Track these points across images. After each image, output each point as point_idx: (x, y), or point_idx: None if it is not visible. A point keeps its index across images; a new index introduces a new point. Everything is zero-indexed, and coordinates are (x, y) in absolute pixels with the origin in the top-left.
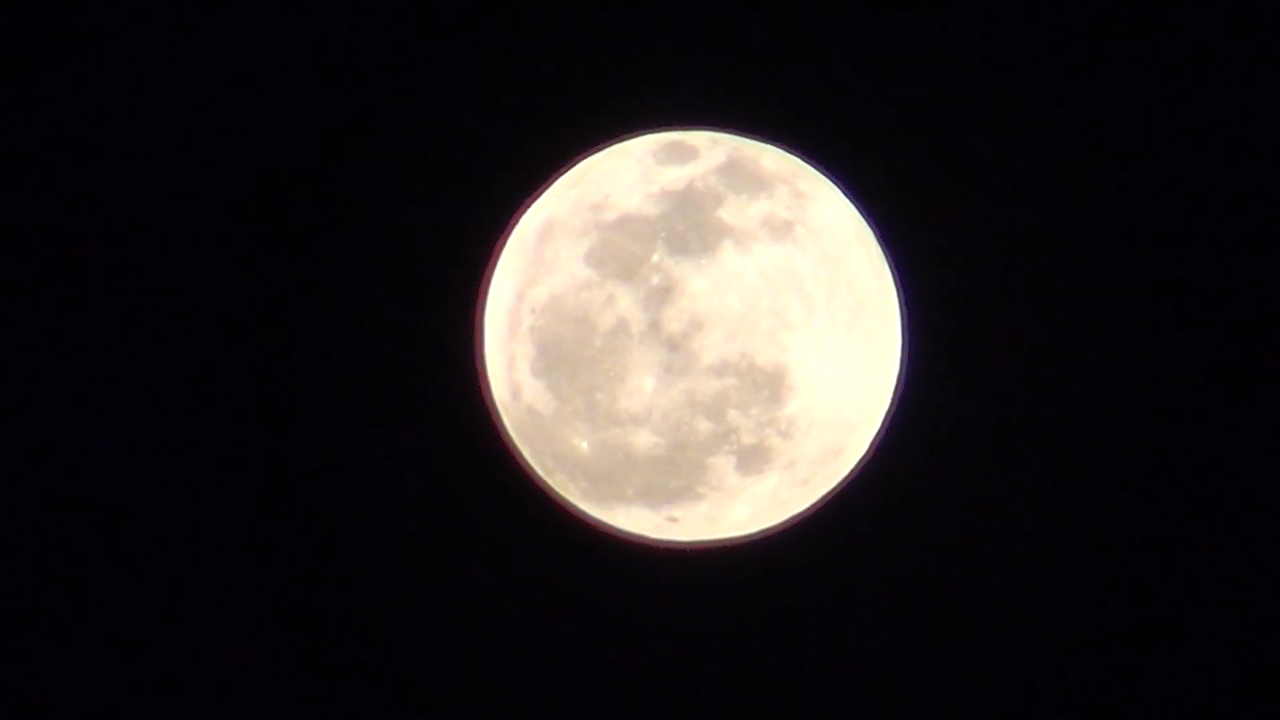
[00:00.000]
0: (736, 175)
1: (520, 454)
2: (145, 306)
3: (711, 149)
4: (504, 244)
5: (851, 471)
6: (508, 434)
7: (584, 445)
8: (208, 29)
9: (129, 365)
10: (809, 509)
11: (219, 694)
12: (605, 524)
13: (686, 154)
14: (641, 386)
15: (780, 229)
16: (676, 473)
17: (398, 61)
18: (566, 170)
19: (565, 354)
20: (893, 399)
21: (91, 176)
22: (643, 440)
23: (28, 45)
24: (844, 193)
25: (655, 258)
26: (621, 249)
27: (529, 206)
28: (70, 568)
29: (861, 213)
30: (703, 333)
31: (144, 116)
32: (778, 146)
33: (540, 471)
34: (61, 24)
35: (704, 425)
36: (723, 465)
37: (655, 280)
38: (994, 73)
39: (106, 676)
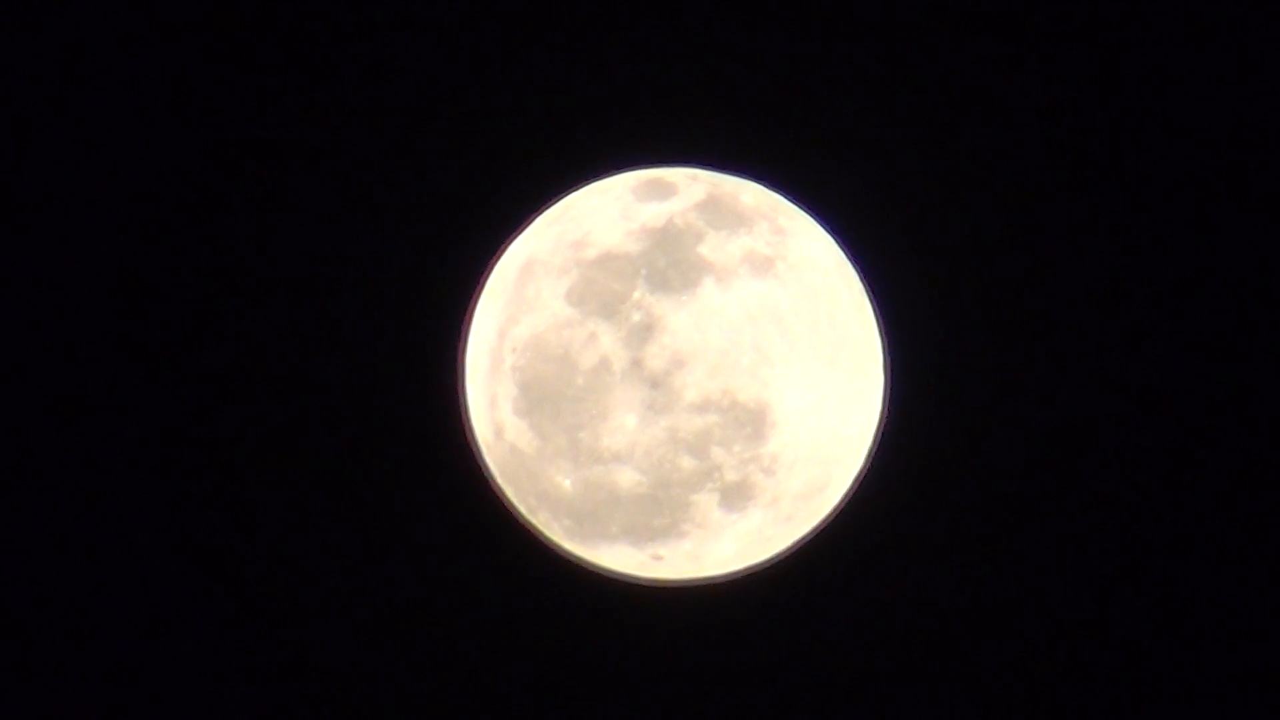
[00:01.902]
0: (716, 211)
1: (503, 493)
2: (124, 342)
3: (690, 185)
4: (485, 283)
5: (836, 507)
6: (490, 473)
7: (567, 484)
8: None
9: (106, 399)
10: (793, 546)
11: None
12: (589, 562)
13: (665, 190)
14: (624, 424)
15: (761, 265)
16: (660, 510)
17: (376, 103)
18: (546, 208)
19: (547, 393)
20: (876, 434)
21: (71, 187)
22: (626, 478)
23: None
24: (824, 228)
25: (636, 295)
26: (602, 287)
27: (509, 245)
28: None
29: (842, 247)
30: (685, 370)
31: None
32: (757, 182)
33: (523, 510)
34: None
35: (687, 462)
36: (706, 502)
37: (636, 318)
38: (973, 108)
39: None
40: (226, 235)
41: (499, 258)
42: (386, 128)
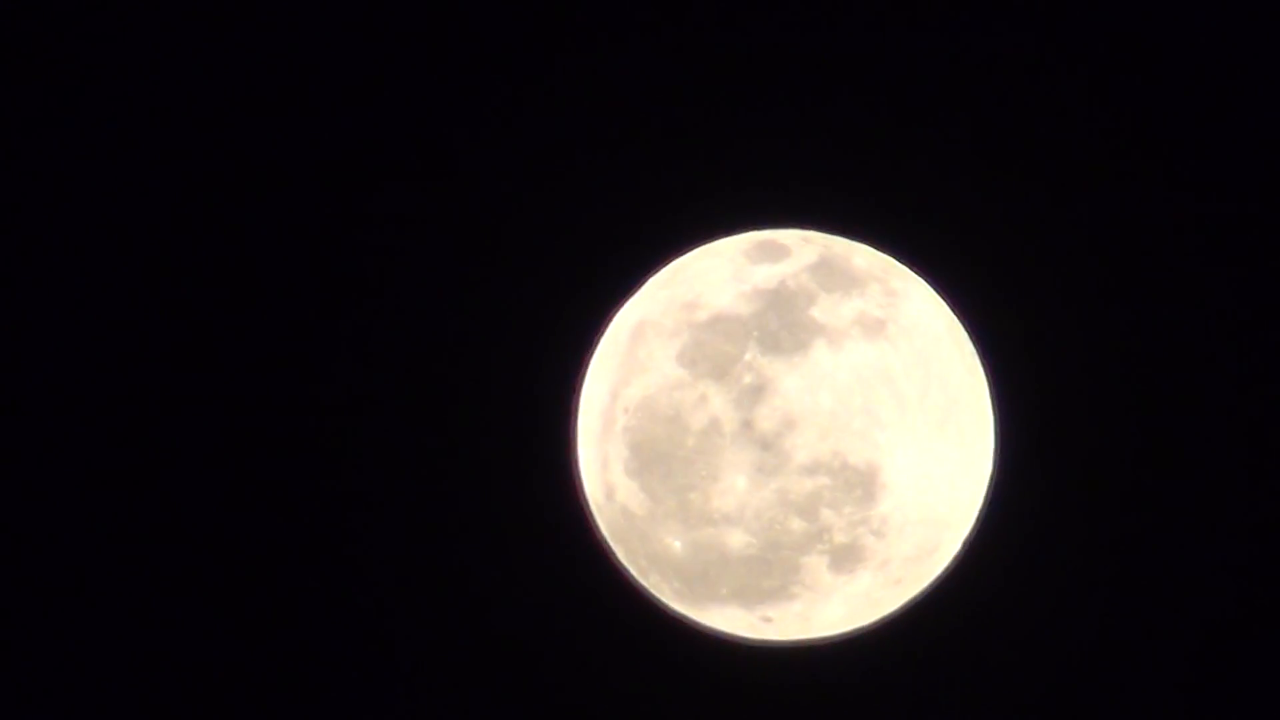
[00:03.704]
0: (828, 273)
1: (614, 554)
2: (254, 420)
3: (803, 247)
4: (598, 344)
5: (945, 570)
6: (602, 534)
7: (677, 545)
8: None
9: (231, 464)
10: (902, 608)
11: None
12: (699, 624)
13: (778, 252)
14: (734, 486)
15: (872, 327)
16: (770, 572)
17: (495, 166)
18: (659, 270)
19: (658, 454)
20: (985, 498)
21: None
22: (736, 540)
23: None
24: (936, 290)
25: (748, 356)
26: (714, 348)
27: (622, 307)
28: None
29: (953, 310)
30: (795, 431)
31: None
32: (869, 245)
33: (634, 571)
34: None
35: (797, 524)
36: (816, 564)
37: (748, 379)
38: (1084, 173)
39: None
40: (344, 291)
41: (611, 319)
42: (501, 192)
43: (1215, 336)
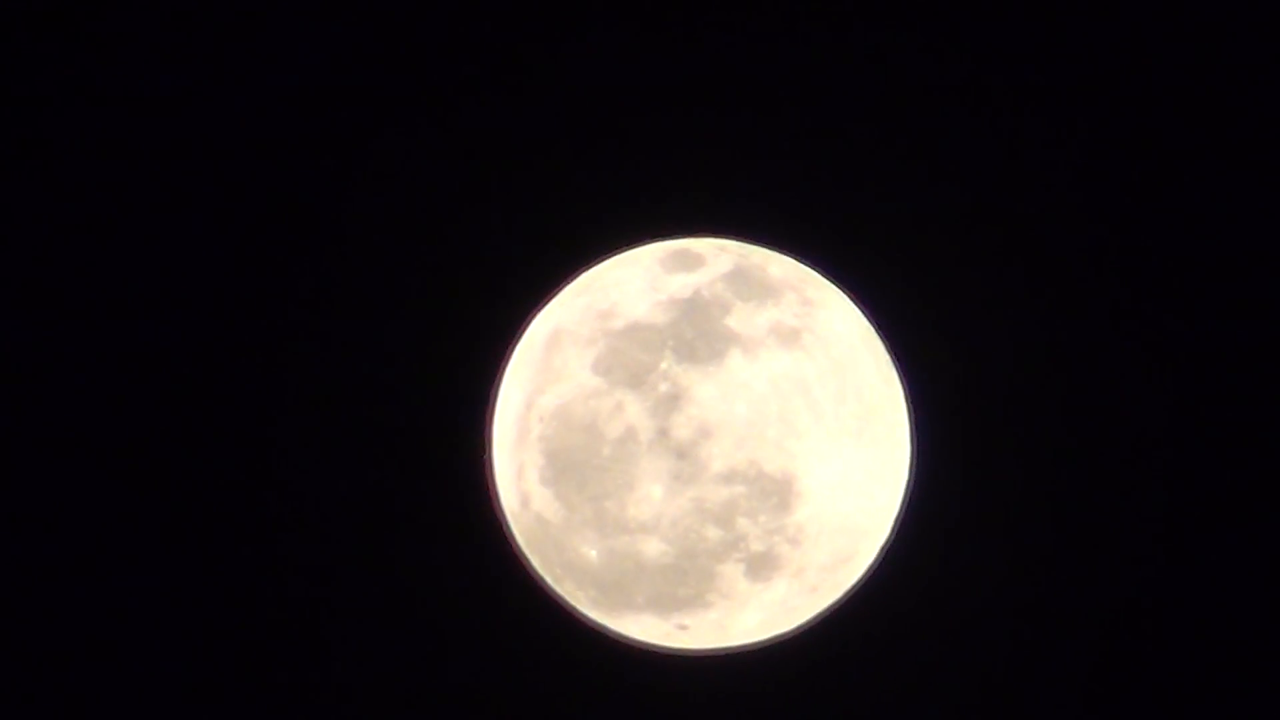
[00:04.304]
0: (744, 283)
1: (529, 562)
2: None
3: (718, 256)
4: (512, 353)
5: (861, 578)
6: (516, 542)
7: (593, 553)
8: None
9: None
10: (818, 616)
11: None
12: (615, 632)
13: (693, 262)
14: (650, 494)
15: (788, 336)
16: (685, 580)
17: (408, 173)
18: (574, 279)
19: (574, 462)
20: (901, 505)
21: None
22: (652, 548)
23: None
24: (851, 300)
25: (663, 365)
26: (629, 357)
27: (537, 315)
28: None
29: (869, 319)
30: (711, 440)
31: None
32: (785, 254)
33: (549, 580)
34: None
35: (713, 533)
36: (732, 573)
37: (663, 388)
38: (1003, 180)
39: None
40: (254, 300)
41: (527, 328)
42: (416, 198)
43: (1131, 346)
